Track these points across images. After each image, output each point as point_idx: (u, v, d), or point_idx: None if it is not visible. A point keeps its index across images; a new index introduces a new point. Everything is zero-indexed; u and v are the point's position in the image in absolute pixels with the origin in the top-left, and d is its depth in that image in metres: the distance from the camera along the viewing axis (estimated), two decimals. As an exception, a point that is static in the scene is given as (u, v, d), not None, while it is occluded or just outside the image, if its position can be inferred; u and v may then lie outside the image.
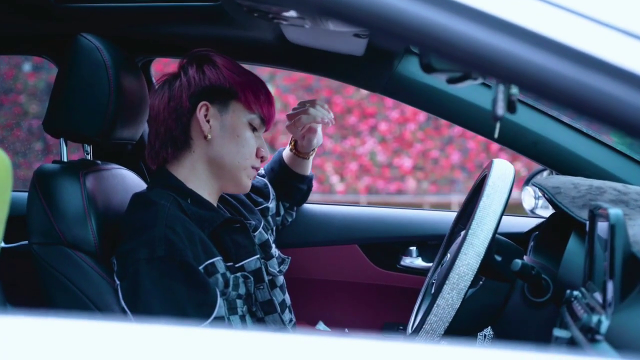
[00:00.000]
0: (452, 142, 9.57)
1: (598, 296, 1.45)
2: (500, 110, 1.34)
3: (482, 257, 1.75)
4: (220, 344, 1.11)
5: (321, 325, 2.45)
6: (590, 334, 1.29)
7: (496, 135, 1.50)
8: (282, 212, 2.40)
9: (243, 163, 1.97)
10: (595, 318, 1.30)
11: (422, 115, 9.50)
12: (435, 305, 1.76)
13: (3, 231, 1.27)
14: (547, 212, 2.45)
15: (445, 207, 8.95)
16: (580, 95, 1.01)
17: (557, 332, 1.47)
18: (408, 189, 9.56)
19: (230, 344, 1.11)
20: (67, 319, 1.14)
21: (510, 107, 1.34)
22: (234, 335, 1.18)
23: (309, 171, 2.38)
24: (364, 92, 9.53)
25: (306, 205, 2.60)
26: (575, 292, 1.58)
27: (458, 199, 9.43)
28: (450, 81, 1.43)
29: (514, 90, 1.33)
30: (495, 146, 9.47)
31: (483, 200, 1.79)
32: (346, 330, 2.46)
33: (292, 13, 1.58)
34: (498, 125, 1.43)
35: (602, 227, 1.52)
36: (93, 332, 1.13)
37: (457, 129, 9.50)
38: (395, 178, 9.57)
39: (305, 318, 2.42)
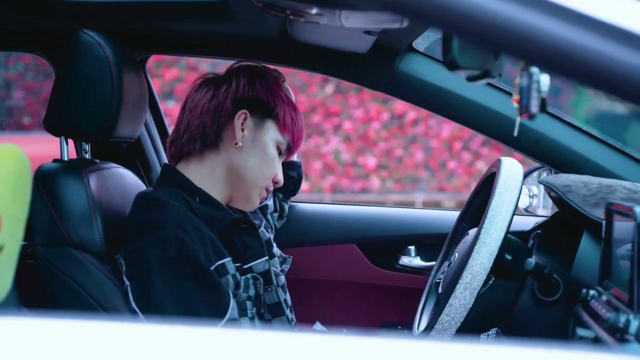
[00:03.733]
0: (415, 141, 9.60)
1: (618, 295, 1.44)
2: (535, 108, 1.33)
3: (495, 256, 1.74)
4: (229, 344, 1.09)
5: (318, 326, 2.42)
6: (619, 333, 1.28)
7: (515, 133, 1.49)
8: (277, 206, 2.39)
9: (261, 181, 1.97)
10: (623, 318, 1.29)
11: (386, 115, 9.51)
12: (447, 304, 1.74)
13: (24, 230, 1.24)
14: (541, 210, 2.46)
15: (409, 205, 8.95)
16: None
17: (581, 332, 1.46)
18: (372, 188, 9.57)
19: (238, 344, 1.09)
20: (79, 320, 1.12)
21: (542, 105, 1.33)
22: (243, 335, 1.16)
23: (294, 156, 2.38)
24: (328, 90, 9.51)
25: (303, 205, 2.58)
26: (592, 291, 1.58)
27: (422, 197, 9.46)
28: (470, 79, 1.42)
29: (544, 87, 1.32)
30: (457, 145, 9.52)
31: (495, 198, 1.78)
32: (344, 330, 2.44)
33: (312, 9, 1.55)
34: (518, 121, 1.42)
35: (617, 225, 1.52)
36: (105, 334, 1.11)
37: (421, 128, 9.53)
38: (360, 177, 9.57)
39: (303, 318, 2.40)
